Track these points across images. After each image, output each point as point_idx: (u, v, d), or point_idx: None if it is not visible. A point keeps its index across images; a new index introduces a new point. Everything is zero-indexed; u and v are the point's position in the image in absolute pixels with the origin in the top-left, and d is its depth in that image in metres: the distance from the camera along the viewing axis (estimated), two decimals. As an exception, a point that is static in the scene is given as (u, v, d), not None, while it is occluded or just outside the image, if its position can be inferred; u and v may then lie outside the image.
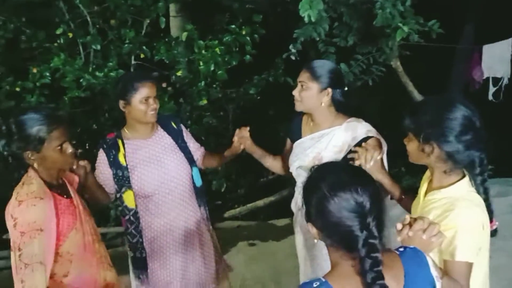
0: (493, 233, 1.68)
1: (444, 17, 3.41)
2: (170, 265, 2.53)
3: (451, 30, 3.55)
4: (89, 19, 4.44)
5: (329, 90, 2.25)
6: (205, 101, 4.63)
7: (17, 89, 4.36)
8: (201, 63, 4.43)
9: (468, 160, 1.62)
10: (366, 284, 1.21)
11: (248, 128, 2.46)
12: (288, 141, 2.51)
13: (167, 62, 4.54)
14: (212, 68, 4.41)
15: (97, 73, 4.24)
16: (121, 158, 2.44)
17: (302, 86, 2.27)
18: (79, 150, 2.20)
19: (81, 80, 4.22)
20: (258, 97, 5.17)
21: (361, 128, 2.25)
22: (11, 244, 1.85)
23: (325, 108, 2.28)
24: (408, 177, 4.88)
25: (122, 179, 2.44)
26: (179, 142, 2.58)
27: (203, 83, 4.53)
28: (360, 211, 1.23)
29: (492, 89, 5.01)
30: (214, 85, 4.64)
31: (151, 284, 2.54)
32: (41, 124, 1.88)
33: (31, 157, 1.90)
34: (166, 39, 4.52)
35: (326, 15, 3.34)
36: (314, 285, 1.23)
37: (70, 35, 4.41)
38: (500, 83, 4.96)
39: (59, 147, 1.92)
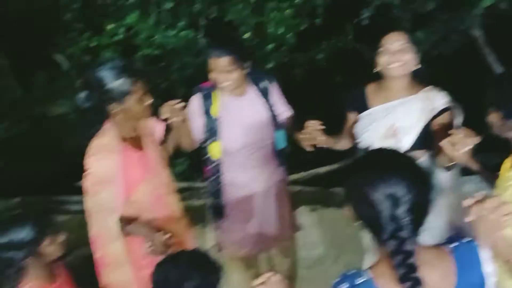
0: None
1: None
2: (247, 216, 2.62)
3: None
4: (162, -23, 4.47)
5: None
6: (271, 65, 4.58)
7: (93, 44, 4.54)
8: (269, 26, 4.37)
9: None
10: (399, 279, 1.17)
11: (321, 125, 2.20)
12: (350, 114, 2.39)
13: (236, 23, 4.51)
14: (280, 31, 4.34)
15: (168, 32, 4.30)
16: (213, 110, 2.49)
17: (404, 47, 2.11)
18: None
19: (153, 38, 4.30)
20: (325, 63, 5.04)
21: (440, 99, 2.16)
22: (84, 191, 1.97)
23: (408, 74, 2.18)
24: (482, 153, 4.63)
25: (211, 131, 2.50)
26: (269, 102, 2.58)
27: (270, 46, 4.47)
28: (391, 202, 1.18)
29: None
30: (282, 49, 4.56)
31: (227, 232, 2.67)
32: (125, 76, 1.93)
33: (115, 109, 1.96)
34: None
35: (406, -22, 3.16)
36: (356, 282, 1.22)
37: (144, -8, 4.48)
38: None
39: (140, 99, 1.98)
